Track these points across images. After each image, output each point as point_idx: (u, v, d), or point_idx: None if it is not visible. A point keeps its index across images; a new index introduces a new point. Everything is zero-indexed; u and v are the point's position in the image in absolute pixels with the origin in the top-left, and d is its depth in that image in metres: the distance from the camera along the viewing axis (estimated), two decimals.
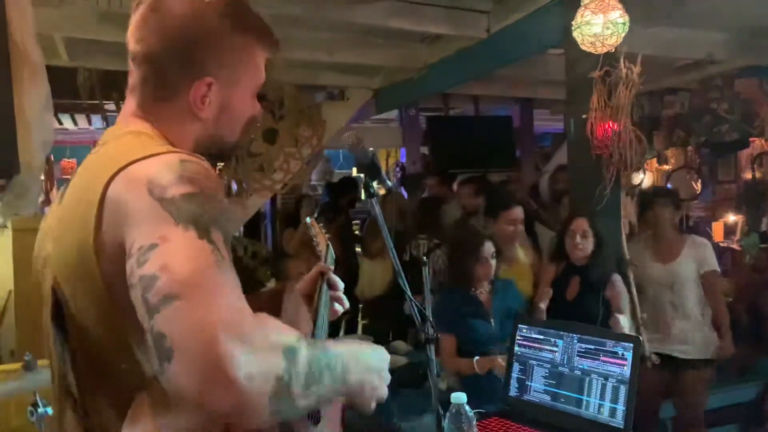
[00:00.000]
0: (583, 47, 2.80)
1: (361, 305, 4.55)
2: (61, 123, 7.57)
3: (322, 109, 5.62)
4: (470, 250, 2.64)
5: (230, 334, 0.65)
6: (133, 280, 0.71)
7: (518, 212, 3.11)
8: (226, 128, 0.97)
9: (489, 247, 2.63)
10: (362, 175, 1.40)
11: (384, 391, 0.91)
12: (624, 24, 2.69)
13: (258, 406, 0.67)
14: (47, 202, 7.09)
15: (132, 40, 0.92)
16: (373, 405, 0.90)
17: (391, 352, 3.36)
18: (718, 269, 3.33)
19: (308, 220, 1.60)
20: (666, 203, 3.32)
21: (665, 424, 3.41)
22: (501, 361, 2.31)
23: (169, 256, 0.70)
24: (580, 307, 2.70)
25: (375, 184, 1.37)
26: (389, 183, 1.45)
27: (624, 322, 2.62)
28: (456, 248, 2.85)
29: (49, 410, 1.74)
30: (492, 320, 2.56)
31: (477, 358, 2.43)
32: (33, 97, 1.88)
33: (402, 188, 6.74)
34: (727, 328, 3.22)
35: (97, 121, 7.10)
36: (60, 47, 4.36)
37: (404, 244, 3.70)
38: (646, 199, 3.38)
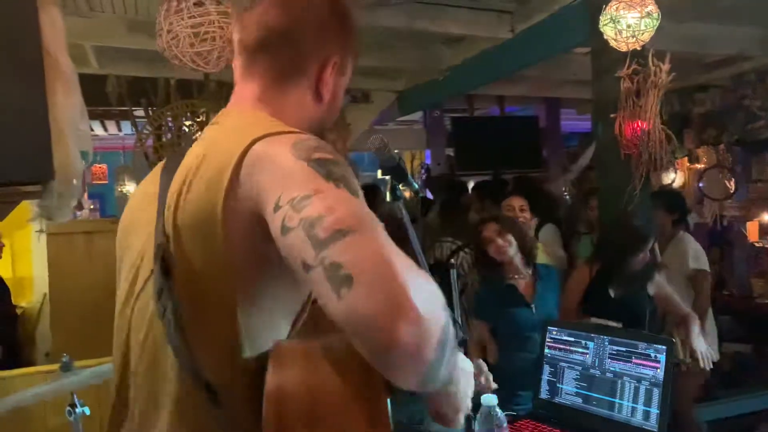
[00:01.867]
0: (612, 43, 2.75)
1: None
2: (91, 129, 7.74)
3: (345, 112, 5.64)
4: (477, 235, 2.63)
5: (404, 268, 0.65)
6: (291, 224, 0.70)
7: (515, 200, 3.11)
8: (330, 114, 1.00)
9: (490, 227, 2.57)
10: (387, 178, 1.40)
11: (469, 404, 0.85)
12: (656, 19, 2.64)
13: (430, 344, 0.64)
14: (79, 206, 7.26)
15: (252, 28, 0.94)
16: (461, 418, 0.84)
17: None
18: (707, 269, 3.39)
19: None
20: (658, 206, 3.40)
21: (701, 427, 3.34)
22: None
23: (331, 202, 0.70)
24: (627, 310, 2.56)
25: (401, 186, 1.37)
26: (416, 186, 1.45)
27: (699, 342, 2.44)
28: (470, 238, 2.86)
29: (87, 410, 1.78)
30: (533, 307, 2.50)
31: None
32: (66, 107, 1.92)
33: (427, 190, 6.73)
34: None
35: (126, 127, 7.24)
36: (90, 55, 4.47)
37: (427, 247, 3.69)
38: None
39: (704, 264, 3.39)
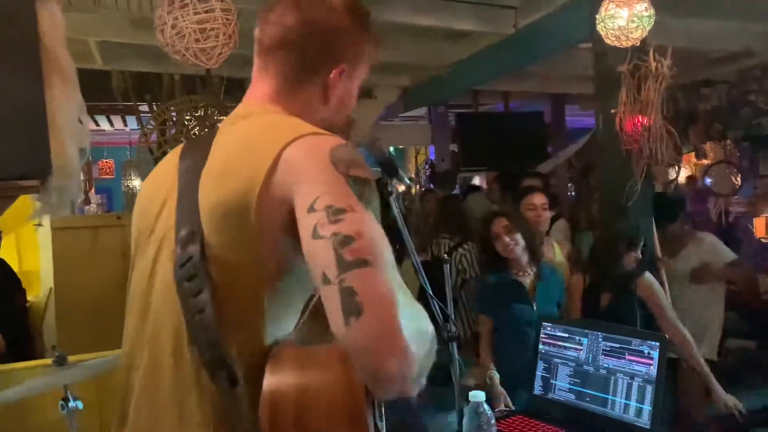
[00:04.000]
0: (607, 41, 2.75)
1: None
2: (97, 124, 7.78)
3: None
4: (485, 229, 2.60)
5: (401, 302, 0.73)
6: (323, 232, 0.76)
7: (537, 197, 3.04)
8: (339, 117, 1.04)
9: (500, 222, 2.55)
10: (378, 172, 1.39)
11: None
12: (649, 17, 2.62)
13: (412, 371, 0.73)
14: (87, 201, 7.31)
15: (270, 27, 0.99)
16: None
17: None
18: (732, 257, 3.25)
19: None
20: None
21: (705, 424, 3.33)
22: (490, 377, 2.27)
23: (362, 226, 0.76)
24: (615, 315, 2.51)
25: (393, 181, 1.37)
26: (407, 181, 1.45)
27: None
28: (476, 232, 2.83)
29: (80, 404, 1.79)
30: (534, 305, 2.49)
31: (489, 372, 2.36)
32: (64, 103, 1.93)
33: (431, 186, 6.72)
34: None
35: (132, 122, 7.27)
36: (95, 51, 4.49)
37: (425, 244, 3.68)
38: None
39: (731, 254, 3.26)
